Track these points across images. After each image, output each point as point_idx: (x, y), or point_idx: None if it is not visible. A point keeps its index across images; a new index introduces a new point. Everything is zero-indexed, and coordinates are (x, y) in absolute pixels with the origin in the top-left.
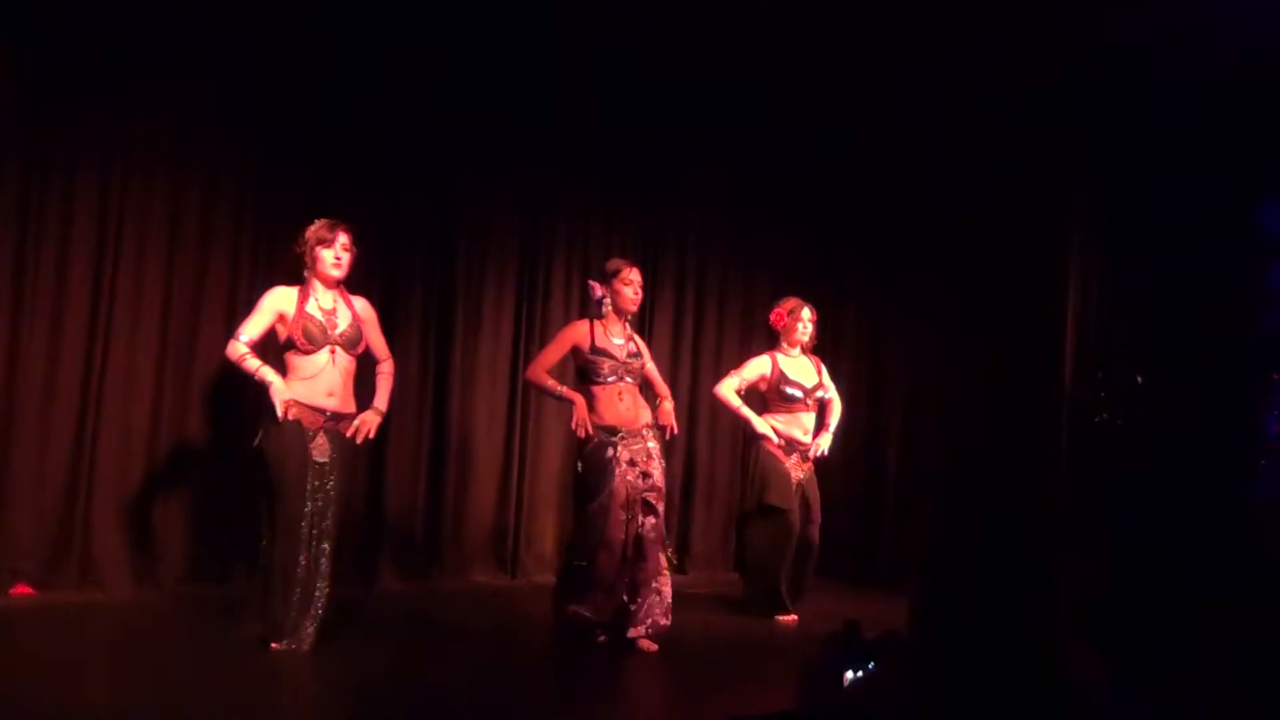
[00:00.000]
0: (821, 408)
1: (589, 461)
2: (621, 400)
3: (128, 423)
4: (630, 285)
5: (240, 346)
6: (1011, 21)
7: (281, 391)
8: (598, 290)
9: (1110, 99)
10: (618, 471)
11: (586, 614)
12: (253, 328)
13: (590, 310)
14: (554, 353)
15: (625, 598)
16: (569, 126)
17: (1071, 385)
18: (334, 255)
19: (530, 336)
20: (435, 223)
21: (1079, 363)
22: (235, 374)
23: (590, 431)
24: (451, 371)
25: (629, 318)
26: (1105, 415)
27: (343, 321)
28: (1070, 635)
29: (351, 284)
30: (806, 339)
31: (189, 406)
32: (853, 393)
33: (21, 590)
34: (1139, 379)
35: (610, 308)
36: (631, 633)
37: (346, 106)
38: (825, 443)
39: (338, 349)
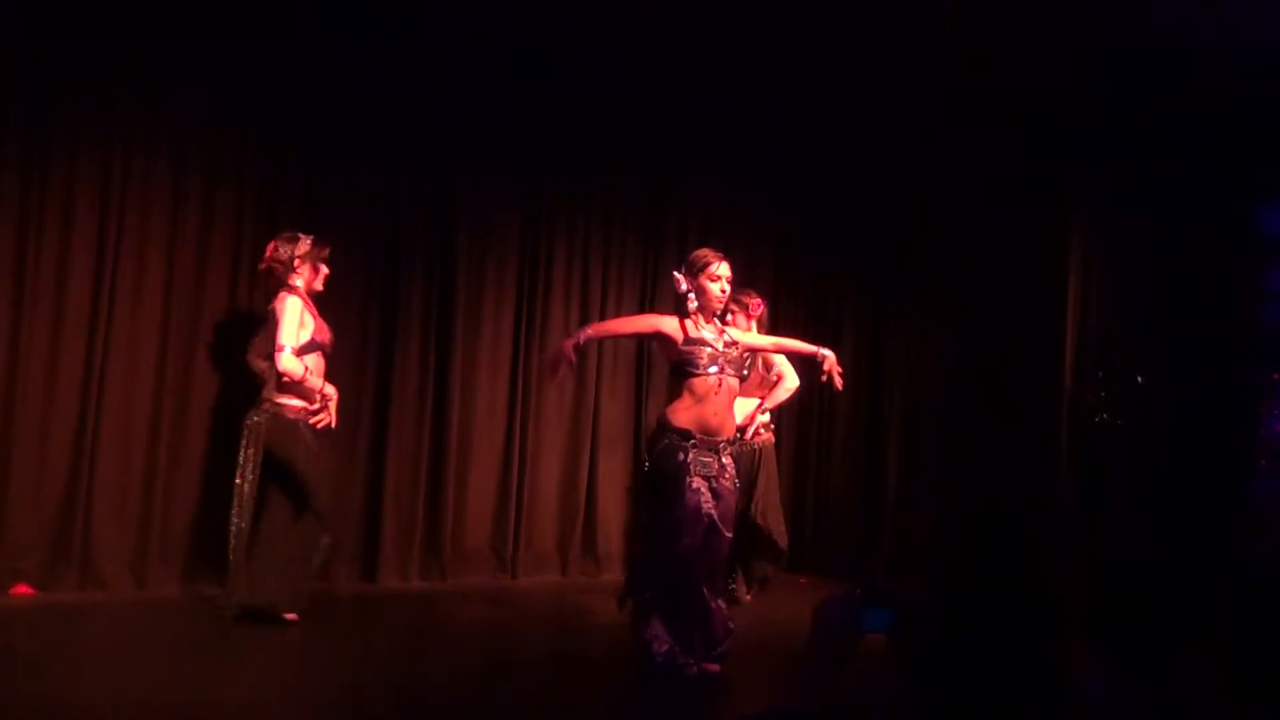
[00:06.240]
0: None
1: (659, 465)
2: (716, 398)
3: (128, 422)
4: (718, 281)
5: (300, 362)
6: (1012, 22)
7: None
8: (683, 283)
9: (1110, 99)
10: (689, 482)
11: (668, 648)
12: (298, 337)
13: (676, 306)
14: (624, 325)
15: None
16: (568, 126)
17: (1071, 385)
18: (325, 270)
19: (530, 336)
20: (435, 222)
21: (1079, 363)
22: (232, 375)
23: (562, 370)
24: (451, 371)
25: (716, 317)
26: (1105, 415)
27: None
28: (1070, 635)
29: (352, 283)
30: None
31: (189, 406)
32: (853, 392)
33: (21, 590)
34: (1139, 379)
35: (696, 304)
36: (708, 665)
37: (346, 106)
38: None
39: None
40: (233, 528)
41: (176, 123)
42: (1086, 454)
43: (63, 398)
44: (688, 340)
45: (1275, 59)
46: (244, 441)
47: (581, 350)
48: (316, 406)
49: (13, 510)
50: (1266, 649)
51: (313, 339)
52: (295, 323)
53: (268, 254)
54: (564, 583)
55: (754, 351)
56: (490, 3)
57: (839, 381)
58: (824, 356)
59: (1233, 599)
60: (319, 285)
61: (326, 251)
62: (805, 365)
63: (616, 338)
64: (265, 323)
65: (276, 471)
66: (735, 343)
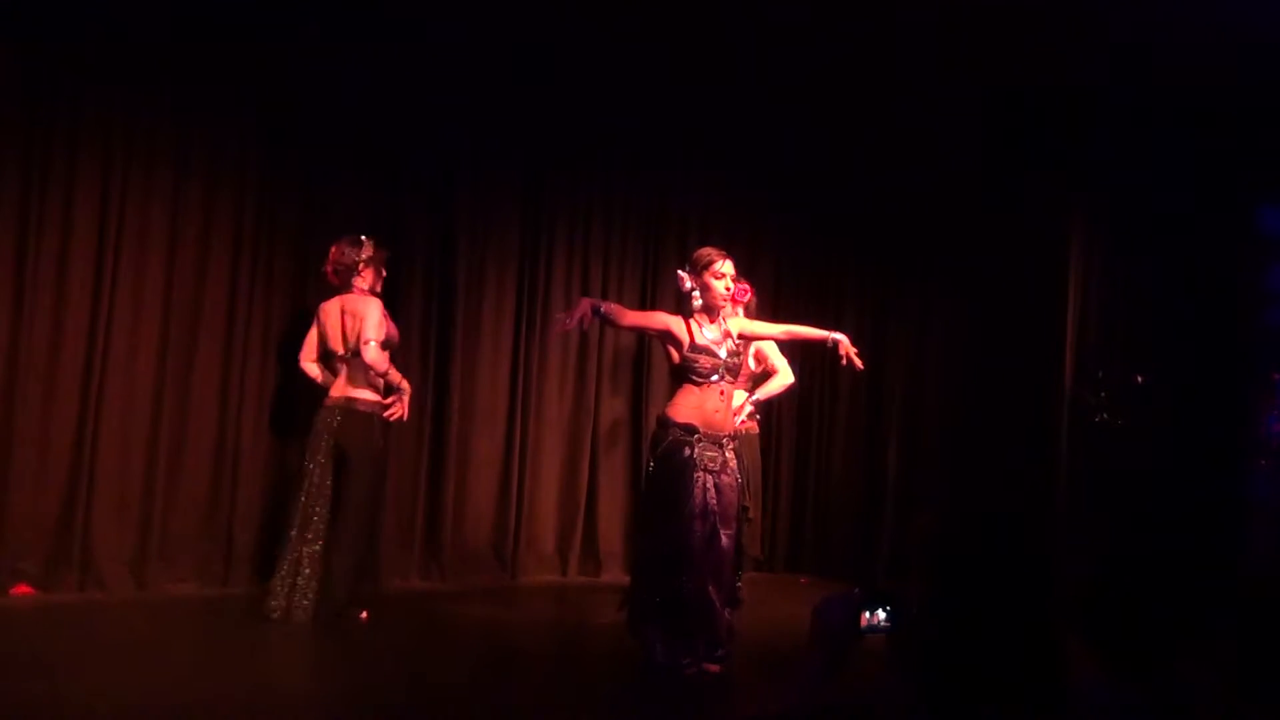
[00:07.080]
0: None
1: (663, 463)
2: (716, 400)
3: (128, 422)
4: (722, 279)
5: (384, 355)
6: (1013, 22)
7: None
8: (687, 282)
9: (1111, 99)
10: (696, 477)
11: (667, 648)
12: (382, 333)
13: (681, 306)
14: (639, 318)
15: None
16: (568, 126)
17: (1071, 385)
18: (384, 273)
19: (530, 336)
20: (435, 223)
21: (1079, 363)
22: (231, 374)
23: (575, 320)
24: (451, 372)
25: (722, 316)
26: (1105, 415)
27: None
28: (1070, 635)
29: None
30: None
31: (189, 406)
32: (853, 392)
33: (21, 590)
34: (1139, 379)
35: (700, 303)
36: (709, 665)
37: (346, 106)
38: None
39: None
40: (297, 524)
41: (176, 122)
42: (1086, 454)
43: (63, 398)
44: (693, 347)
45: (1276, 59)
46: (315, 433)
47: (600, 315)
48: (390, 400)
49: (13, 510)
50: (1266, 649)
51: (386, 337)
52: (379, 319)
53: (332, 256)
54: (564, 583)
55: (760, 340)
56: (490, 3)
57: (858, 363)
58: (837, 341)
59: (1232, 599)
60: (379, 287)
61: (386, 254)
62: (818, 353)
63: (630, 328)
64: (313, 327)
65: (340, 463)
66: (738, 351)
